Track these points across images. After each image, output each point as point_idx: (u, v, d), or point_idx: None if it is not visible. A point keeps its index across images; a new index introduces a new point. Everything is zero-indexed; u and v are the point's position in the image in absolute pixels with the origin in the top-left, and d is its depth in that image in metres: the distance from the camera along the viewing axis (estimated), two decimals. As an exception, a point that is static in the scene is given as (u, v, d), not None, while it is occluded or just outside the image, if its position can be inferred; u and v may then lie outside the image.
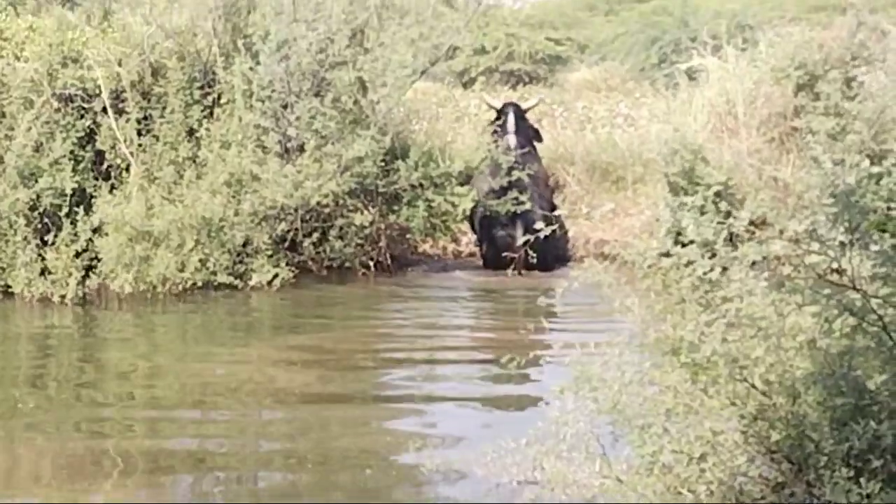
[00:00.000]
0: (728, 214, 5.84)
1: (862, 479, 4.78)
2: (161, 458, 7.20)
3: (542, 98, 17.92)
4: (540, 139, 15.67)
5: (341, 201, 13.69)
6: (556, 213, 13.32)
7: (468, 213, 14.53)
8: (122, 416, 8.27)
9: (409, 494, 6.54)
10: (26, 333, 11.32)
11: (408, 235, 14.71)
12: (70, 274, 12.41)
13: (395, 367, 10.12)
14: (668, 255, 5.66)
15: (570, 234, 14.92)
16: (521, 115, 15.23)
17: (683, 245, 5.56)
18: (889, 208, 5.25)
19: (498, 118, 15.24)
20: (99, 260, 12.70)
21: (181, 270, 12.67)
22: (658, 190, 14.12)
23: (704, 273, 5.43)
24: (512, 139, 14.70)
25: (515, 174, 14.06)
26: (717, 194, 11.82)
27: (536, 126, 15.87)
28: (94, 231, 12.76)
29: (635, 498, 4.99)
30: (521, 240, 13.24)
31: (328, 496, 6.55)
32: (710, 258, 5.45)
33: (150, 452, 7.34)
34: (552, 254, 13.75)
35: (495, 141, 14.60)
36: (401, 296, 13.07)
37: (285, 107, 13.60)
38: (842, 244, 5.22)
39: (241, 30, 14.17)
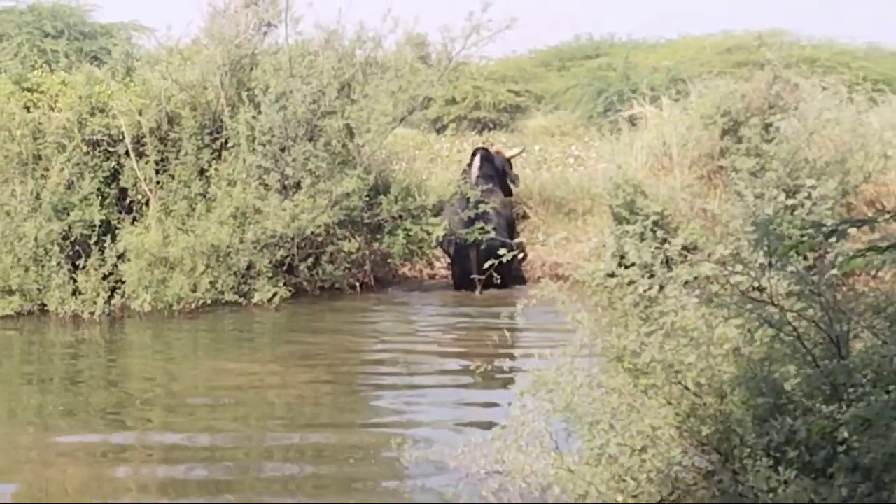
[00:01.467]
0: (664, 241, 5.85)
1: (780, 468, 4.78)
2: (176, 450, 7.19)
3: (525, 148, 17.95)
4: (516, 183, 15.70)
5: (332, 231, 13.68)
6: (516, 240, 13.39)
7: (441, 240, 14.56)
8: (141, 413, 8.28)
9: (392, 485, 6.52)
10: (60, 344, 11.27)
11: (389, 260, 14.71)
12: (98, 294, 12.38)
13: (379, 373, 10.10)
14: (613, 275, 5.68)
15: (529, 257, 14.91)
16: (487, 158, 15.26)
17: (626, 267, 5.58)
18: (802, 235, 5.27)
19: (471, 161, 15.30)
20: (122, 282, 12.69)
21: (193, 291, 12.68)
22: (604, 220, 14.14)
23: (644, 291, 5.44)
24: (475, 178, 14.75)
25: (481, 207, 14.08)
26: (655, 223, 11.75)
27: (515, 171, 15.88)
28: (119, 257, 12.76)
29: (584, 486, 4.97)
30: (485, 265, 13.21)
31: (320, 487, 6.53)
32: (649, 278, 5.46)
33: (166, 444, 7.35)
34: (511, 276, 13.73)
35: (465, 179, 14.65)
36: (383, 311, 13.04)
37: (283, 150, 13.60)
38: (762, 266, 5.23)
39: (244, 84, 14.16)
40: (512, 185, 15.53)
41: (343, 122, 13.85)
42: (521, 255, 14.27)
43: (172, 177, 13.56)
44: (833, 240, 4.85)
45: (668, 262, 5.59)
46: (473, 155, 15.35)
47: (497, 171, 15.33)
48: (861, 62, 24.64)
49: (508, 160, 15.73)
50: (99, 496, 6.37)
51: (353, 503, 6.15)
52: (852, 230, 3.53)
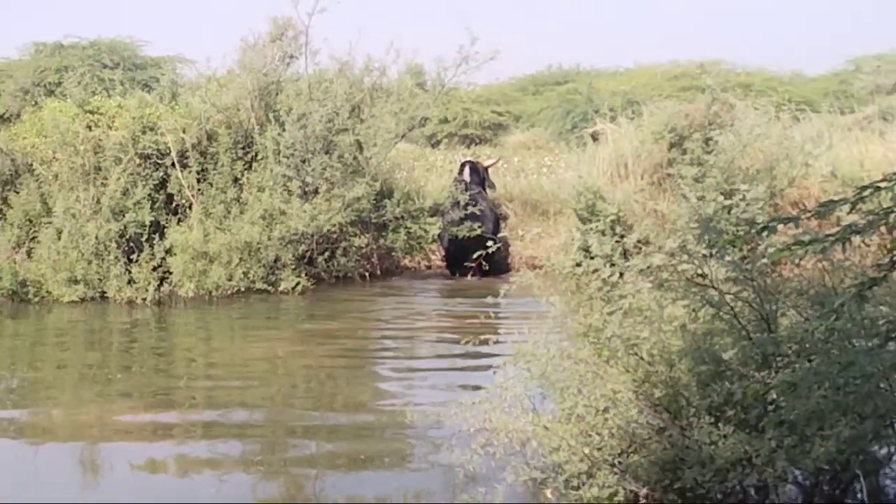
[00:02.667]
0: (622, 236, 5.86)
1: (720, 425, 4.78)
2: (214, 426, 7.14)
3: (500, 158, 17.95)
4: (494, 188, 15.70)
5: (345, 229, 13.65)
6: (499, 236, 13.36)
7: (437, 236, 14.58)
8: (186, 384, 8.25)
9: (396, 434, 6.52)
10: (117, 326, 11.24)
11: (393, 253, 14.70)
12: (149, 283, 12.35)
13: (385, 346, 10.14)
14: (579, 265, 5.67)
15: (510, 250, 14.90)
16: (475, 168, 15.28)
17: (590, 258, 5.57)
18: (737, 230, 5.27)
19: (460, 171, 15.31)
20: (170, 273, 12.66)
21: (229, 280, 12.66)
22: (571, 219, 14.11)
23: (606, 278, 5.43)
24: (467, 184, 14.77)
25: (470, 209, 14.09)
26: (613, 222, 11.91)
27: (492, 179, 15.87)
28: (166, 252, 12.73)
29: (557, 440, 4.97)
30: (473, 255, 13.18)
31: (334, 435, 6.54)
32: (609, 267, 5.45)
33: (205, 420, 7.32)
34: (496, 265, 13.72)
35: (456, 186, 14.66)
36: (388, 296, 13.02)
37: (304, 161, 13.57)
38: (704, 256, 5.23)
39: (271, 106, 14.13)
40: (490, 190, 15.53)
41: (353, 137, 13.82)
42: (504, 249, 14.30)
43: (211, 184, 13.54)
44: (763, 234, 4.85)
45: (625, 254, 5.58)
46: (462, 166, 15.36)
47: (481, 179, 15.36)
48: (787, 86, 24.60)
49: (486, 169, 15.73)
50: (151, 431, 6.39)
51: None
52: (780, 226, 3.52)
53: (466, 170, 15.16)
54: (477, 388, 6.49)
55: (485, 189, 15.28)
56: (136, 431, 6.93)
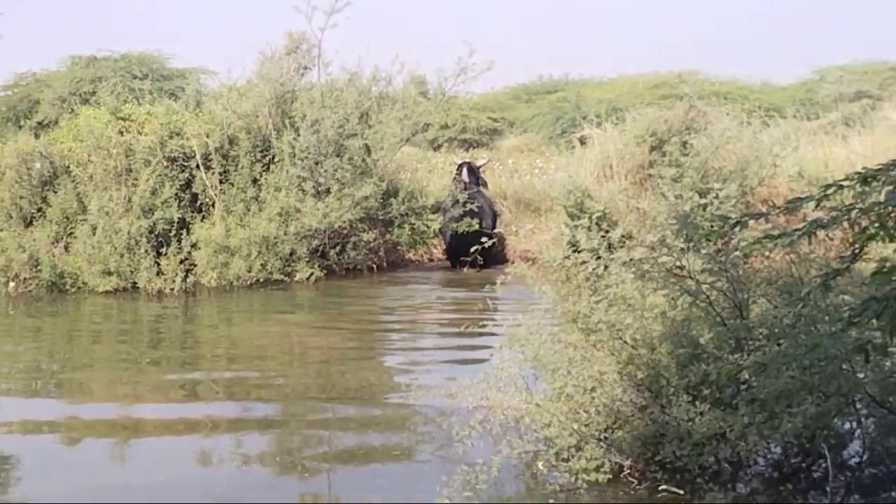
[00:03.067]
0: (607, 231, 5.84)
1: (697, 403, 4.79)
2: (236, 387, 7.19)
3: (490, 159, 17.95)
4: (486, 186, 15.70)
5: (354, 225, 13.65)
6: (496, 231, 13.37)
7: (438, 231, 14.57)
8: (209, 363, 8.31)
9: (401, 412, 6.53)
10: (146, 313, 11.26)
11: (398, 247, 14.73)
12: (176, 274, 12.39)
13: (390, 331, 10.12)
14: (568, 258, 5.66)
15: (506, 244, 14.89)
16: (472, 169, 15.28)
17: (578, 251, 5.57)
18: (712, 226, 5.26)
19: (458, 171, 15.29)
20: (195, 265, 12.69)
21: (249, 271, 12.69)
22: (561, 216, 14.10)
23: (593, 269, 5.43)
24: (468, 183, 14.78)
25: (468, 206, 14.09)
26: (599, 218, 11.90)
27: (485, 178, 15.90)
28: (192, 246, 12.76)
29: (548, 417, 4.97)
30: (472, 249, 13.15)
31: (345, 422, 6.53)
32: (596, 259, 5.45)
33: (229, 387, 7.36)
34: (492, 258, 13.71)
35: (455, 185, 14.66)
36: (394, 286, 13.04)
37: (317, 163, 13.57)
38: (682, 249, 5.23)
39: (287, 113, 14.13)
40: (483, 188, 15.54)
41: (362, 141, 13.84)
42: (500, 243, 14.30)
43: (232, 184, 13.56)
44: (736, 229, 4.85)
45: (610, 248, 5.57)
46: (461, 167, 15.34)
47: (477, 178, 15.36)
48: (756, 95, 24.62)
49: (478, 168, 15.73)
50: (176, 434, 6.38)
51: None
52: (751, 222, 3.52)
53: (465, 170, 15.17)
54: (475, 370, 6.48)
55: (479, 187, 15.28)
56: (165, 392, 6.99)
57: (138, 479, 5.52)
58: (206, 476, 5.43)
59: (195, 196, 13.56)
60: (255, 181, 13.62)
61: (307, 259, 13.15)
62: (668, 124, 14.39)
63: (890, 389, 4.75)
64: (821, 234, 2.87)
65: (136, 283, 12.44)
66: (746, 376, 4.66)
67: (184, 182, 13.44)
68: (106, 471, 5.62)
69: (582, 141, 16.77)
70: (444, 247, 15.01)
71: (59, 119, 16.28)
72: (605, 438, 4.95)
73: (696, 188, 11.12)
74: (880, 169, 2.80)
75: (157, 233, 12.81)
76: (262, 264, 12.78)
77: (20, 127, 17.77)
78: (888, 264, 2.76)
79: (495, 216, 15.03)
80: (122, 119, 13.97)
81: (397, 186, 14.50)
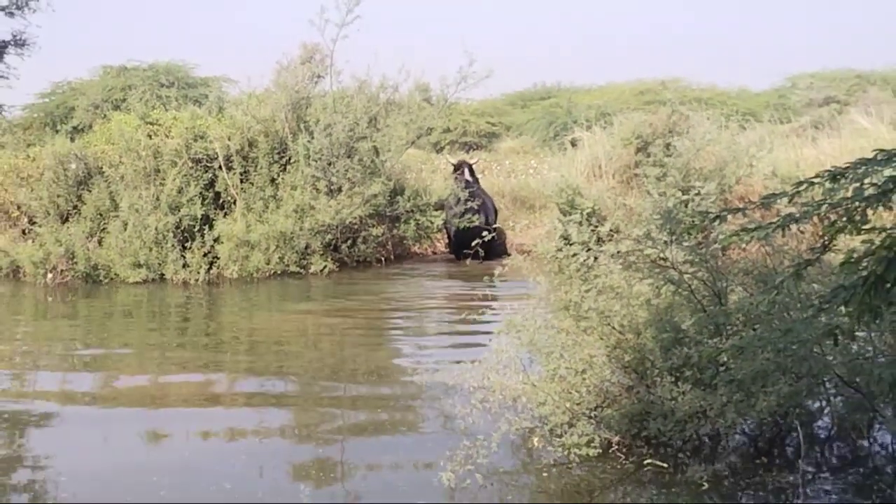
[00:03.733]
0: (596, 226, 5.84)
1: (679, 383, 4.80)
2: (255, 367, 7.20)
3: (479, 159, 17.86)
4: (478, 182, 15.68)
5: (364, 221, 13.65)
6: (495, 226, 13.34)
7: (441, 227, 14.58)
8: (233, 356, 8.25)
9: (408, 392, 6.55)
10: (173, 302, 11.25)
11: (404, 241, 14.69)
12: (200, 266, 12.39)
13: (398, 317, 10.12)
14: (560, 250, 5.66)
15: (505, 238, 14.89)
16: (471, 168, 15.28)
17: (570, 244, 5.57)
18: (693, 220, 5.26)
19: (456, 170, 15.28)
20: (217, 258, 12.69)
21: (267, 263, 12.69)
22: (554, 212, 14.10)
23: (583, 261, 5.43)
24: (470, 182, 14.82)
25: (469, 203, 14.10)
26: (589, 214, 11.86)
27: (477, 175, 15.86)
28: (215, 240, 12.76)
29: (543, 396, 4.98)
30: (473, 242, 13.12)
31: (356, 400, 6.54)
32: (586, 252, 5.45)
33: (249, 366, 7.36)
34: (493, 250, 13.70)
35: (457, 184, 14.67)
36: (401, 277, 13.02)
37: (329, 164, 13.56)
38: (665, 242, 5.23)
39: (302, 118, 14.12)
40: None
41: (371, 144, 13.81)
42: (500, 237, 14.30)
43: (252, 184, 13.55)
44: (715, 223, 4.85)
45: (599, 241, 5.58)
46: (460, 166, 15.31)
47: (475, 176, 15.36)
48: (734, 100, 24.57)
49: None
50: (201, 410, 6.40)
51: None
52: (729, 217, 3.52)
53: (466, 169, 15.17)
54: (476, 354, 6.48)
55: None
56: (191, 369, 7.02)
57: (164, 450, 5.57)
58: (227, 447, 5.45)
59: (218, 194, 13.55)
60: (272, 181, 13.60)
61: (321, 252, 13.14)
62: (653, 128, 14.40)
63: (857, 370, 4.75)
64: (793, 227, 2.87)
65: (163, 274, 12.45)
66: (725, 359, 4.67)
67: (207, 181, 13.42)
68: (134, 440, 5.65)
69: (573, 143, 16.79)
70: (448, 241, 15.01)
71: (92, 124, 16.34)
72: (595, 416, 4.95)
73: (679, 186, 11.06)
74: (847, 168, 2.80)
75: (182, 228, 12.80)
76: (279, 257, 12.77)
77: (57, 131, 17.83)
78: (855, 255, 2.76)
79: (496, 212, 15.01)
80: (151, 124, 13.98)
81: (403, 185, 14.49)
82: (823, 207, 2.74)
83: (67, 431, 5.88)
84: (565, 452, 4.82)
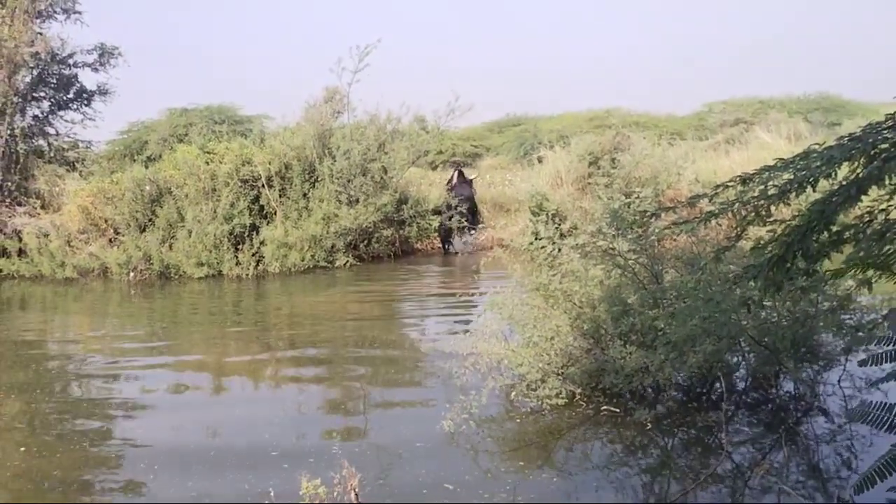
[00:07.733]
0: (559, 224, 5.84)
1: (627, 346, 4.80)
2: (296, 339, 7.17)
3: (478, 175, 17.91)
4: (471, 184, 15.69)
5: (377, 225, 13.61)
6: (480, 226, 13.34)
7: (436, 228, 14.57)
8: (277, 331, 8.23)
9: (415, 357, 6.53)
10: (229, 291, 11.20)
11: (409, 240, 14.62)
12: (250, 264, 12.35)
13: (406, 301, 10.07)
14: (532, 244, 5.66)
15: (487, 235, 14.86)
16: (461, 172, 15.39)
17: (539, 239, 5.56)
18: (634, 218, 5.26)
19: (455, 169, 15.38)
20: (263, 257, 12.61)
21: (302, 261, 12.64)
22: (526, 214, 14.09)
23: (550, 252, 5.43)
24: (459, 185, 14.89)
25: (458, 207, 14.11)
26: (553, 215, 11.88)
27: (472, 183, 15.88)
28: (260, 243, 12.68)
29: (521, 359, 4.98)
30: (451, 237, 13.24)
31: (373, 360, 6.53)
32: (552, 245, 5.45)
33: (290, 338, 7.33)
34: (480, 245, 13.67)
35: (448, 191, 14.71)
36: (408, 269, 12.99)
37: (349, 181, 13.51)
38: (613, 235, 5.23)
39: (326, 145, 14.04)
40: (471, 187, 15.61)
41: (381, 164, 13.77)
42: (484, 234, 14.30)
43: (288, 198, 13.47)
44: (652, 220, 4.85)
45: (562, 236, 5.57)
46: (457, 168, 15.44)
47: (466, 180, 15.39)
48: (663, 123, 24.49)
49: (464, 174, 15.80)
50: (254, 369, 6.38)
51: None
52: (662, 214, 3.51)
53: (456, 173, 15.38)
54: (467, 325, 6.48)
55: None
56: (246, 350, 6.97)
57: (227, 394, 5.62)
58: (275, 393, 5.44)
59: (262, 207, 13.48)
60: (304, 195, 13.55)
61: (343, 250, 13.11)
62: (601, 146, 14.39)
63: (765, 332, 4.76)
64: (713, 221, 2.87)
65: (221, 271, 12.39)
66: (662, 325, 4.67)
67: (253, 197, 13.35)
68: (201, 401, 5.67)
69: (539, 160, 16.76)
70: (440, 240, 15.05)
71: (161, 154, 16.19)
72: (562, 373, 4.95)
73: (623, 191, 11.09)
74: (754, 173, 2.80)
75: (235, 234, 12.73)
76: (311, 255, 12.74)
77: (134, 160, 17.67)
78: (762, 241, 2.76)
79: (476, 208, 15.10)
80: (208, 153, 13.89)
81: (407, 196, 14.45)
82: (736, 205, 2.73)
83: (151, 390, 5.86)
84: (539, 402, 4.83)
